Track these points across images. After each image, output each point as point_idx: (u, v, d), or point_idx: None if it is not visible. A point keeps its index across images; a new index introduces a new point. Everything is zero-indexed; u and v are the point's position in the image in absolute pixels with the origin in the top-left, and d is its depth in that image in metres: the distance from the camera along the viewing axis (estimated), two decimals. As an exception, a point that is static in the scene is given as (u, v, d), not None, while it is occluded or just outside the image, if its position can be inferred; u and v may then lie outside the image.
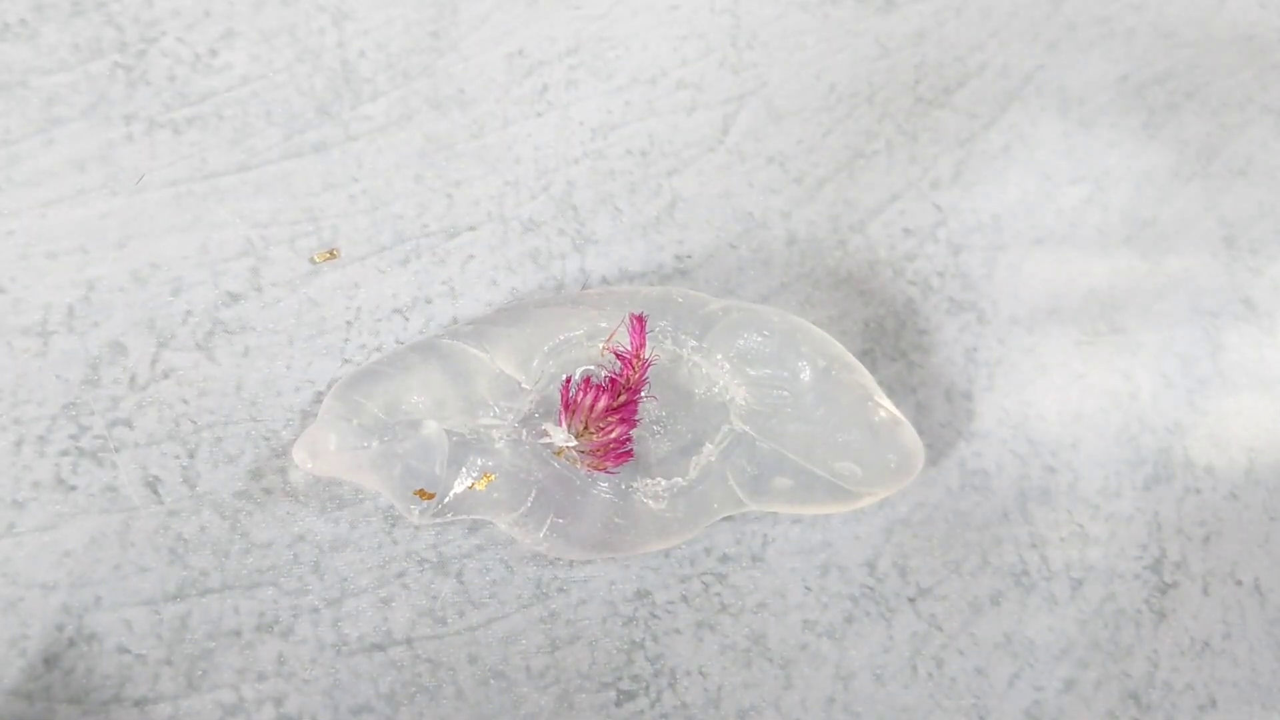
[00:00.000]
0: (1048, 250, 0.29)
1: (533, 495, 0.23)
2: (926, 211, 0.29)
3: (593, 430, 0.23)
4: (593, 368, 0.24)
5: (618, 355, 0.23)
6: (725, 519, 0.25)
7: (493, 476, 0.23)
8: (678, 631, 0.24)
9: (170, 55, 0.26)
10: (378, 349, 0.25)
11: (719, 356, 0.24)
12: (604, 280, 0.27)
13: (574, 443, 0.23)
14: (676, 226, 0.27)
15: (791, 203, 0.28)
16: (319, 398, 0.24)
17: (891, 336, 0.28)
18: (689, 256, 0.27)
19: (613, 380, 0.23)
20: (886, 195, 0.29)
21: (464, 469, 0.23)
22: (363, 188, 0.26)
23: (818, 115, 0.29)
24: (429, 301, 0.26)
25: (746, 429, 0.24)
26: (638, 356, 0.23)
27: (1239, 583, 0.28)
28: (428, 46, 0.28)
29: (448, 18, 0.28)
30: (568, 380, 0.23)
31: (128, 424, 0.23)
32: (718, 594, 0.25)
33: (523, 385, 0.24)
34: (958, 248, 0.29)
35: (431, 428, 0.23)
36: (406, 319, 0.25)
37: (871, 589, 0.25)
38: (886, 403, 0.25)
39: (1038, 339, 0.29)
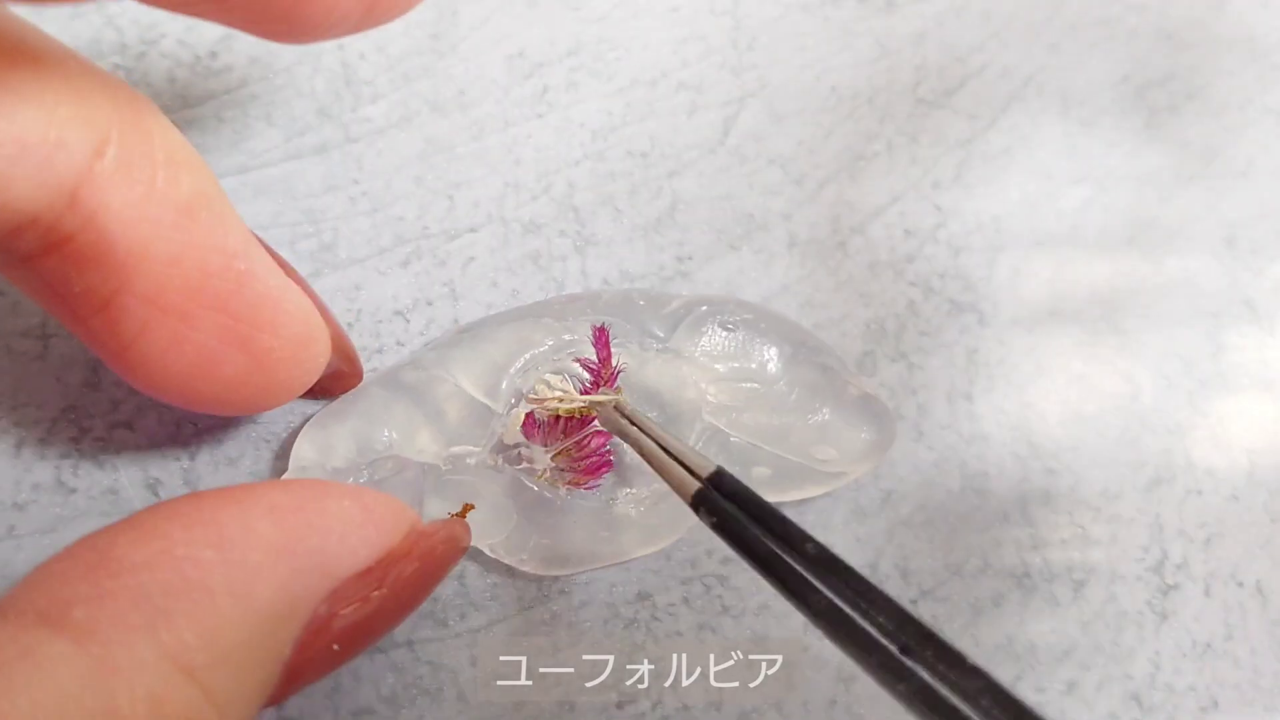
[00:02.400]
0: (1049, 251, 0.29)
1: (514, 520, 0.23)
2: (927, 213, 0.29)
3: (569, 449, 0.23)
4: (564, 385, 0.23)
5: (584, 366, 0.23)
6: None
7: (472, 506, 0.22)
8: (679, 634, 0.24)
9: (170, 57, 0.26)
10: (378, 350, 0.25)
11: (686, 355, 0.24)
12: (605, 281, 0.27)
13: (550, 464, 0.23)
14: (677, 228, 0.27)
15: (792, 204, 0.28)
16: (321, 401, 0.24)
17: (892, 338, 0.28)
18: (690, 258, 0.27)
19: (584, 393, 0.23)
20: (887, 196, 0.29)
21: (442, 501, 0.22)
22: (363, 189, 0.26)
23: (818, 116, 0.29)
24: (430, 303, 0.26)
25: (719, 424, 0.24)
26: (604, 366, 0.23)
27: (1240, 584, 0.28)
28: (428, 48, 0.28)
29: (447, 19, 0.28)
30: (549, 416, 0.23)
31: (128, 426, 0.23)
32: (719, 596, 0.25)
33: (494, 409, 0.23)
34: (958, 249, 0.29)
35: (405, 463, 0.22)
36: (408, 321, 0.25)
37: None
38: (856, 379, 0.25)
39: (1039, 340, 0.28)
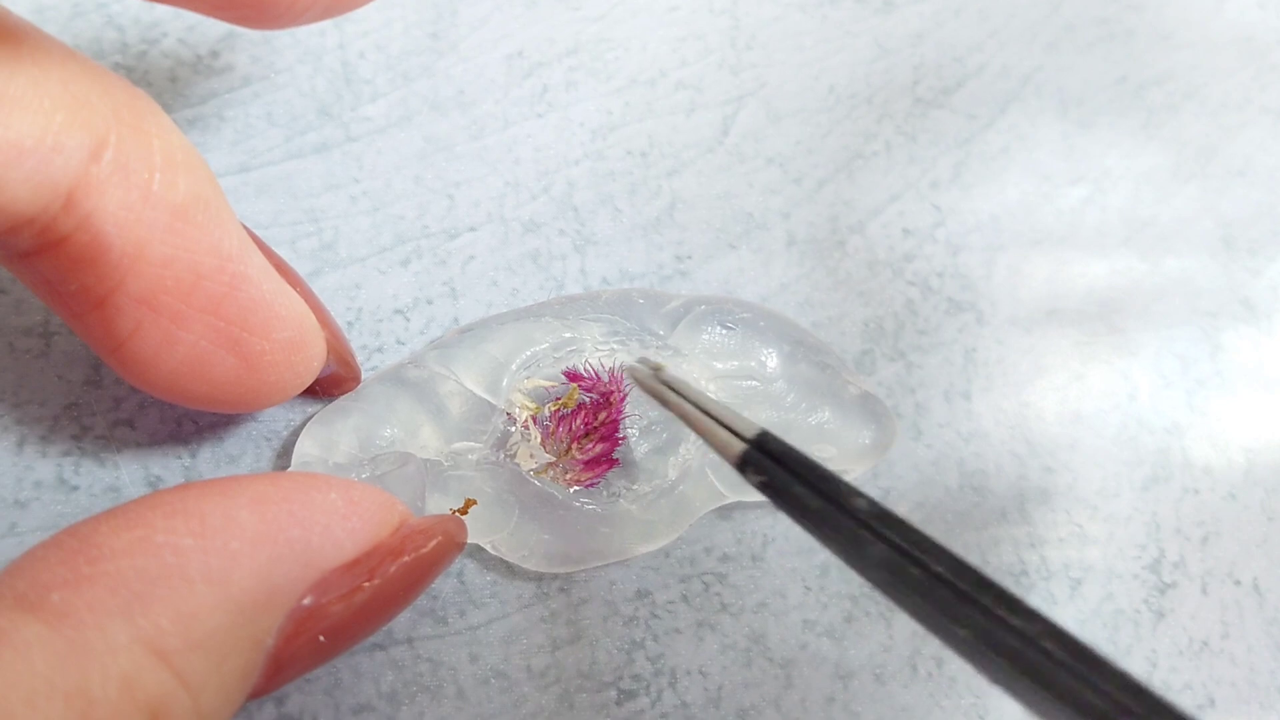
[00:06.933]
0: (1046, 251, 0.30)
1: (516, 516, 0.23)
2: (925, 212, 0.29)
3: (575, 452, 0.23)
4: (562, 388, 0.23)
5: (592, 386, 0.23)
6: (723, 518, 0.25)
7: (474, 502, 0.22)
8: (678, 631, 0.24)
9: (171, 57, 0.26)
10: (379, 349, 0.25)
11: (685, 352, 0.24)
12: (604, 280, 0.27)
13: (552, 460, 0.23)
14: (676, 227, 0.28)
15: (791, 203, 0.28)
16: (320, 401, 0.24)
17: (890, 337, 0.28)
18: (689, 257, 0.27)
19: (594, 403, 0.23)
20: (885, 196, 0.29)
21: (444, 497, 0.23)
22: (363, 189, 0.26)
23: (817, 116, 0.29)
24: (430, 302, 0.26)
25: None
26: (614, 389, 0.23)
27: (1237, 582, 0.28)
28: (427, 48, 0.28)
29: (447, 19, 0.28)
30: (552, 413, 0.23)
31: (130, 424, 0.23)
32: (718, 594, 0.25)
33: (495, 405, 0.23)
34: (957, 248, 0.29)
35: (408, 459, 0.22)
36: (408, 320, 0.25)
37: (871, 589, 0.26)
38: (855, 378, 0.25)
39: (1036, 339, 0.29)
